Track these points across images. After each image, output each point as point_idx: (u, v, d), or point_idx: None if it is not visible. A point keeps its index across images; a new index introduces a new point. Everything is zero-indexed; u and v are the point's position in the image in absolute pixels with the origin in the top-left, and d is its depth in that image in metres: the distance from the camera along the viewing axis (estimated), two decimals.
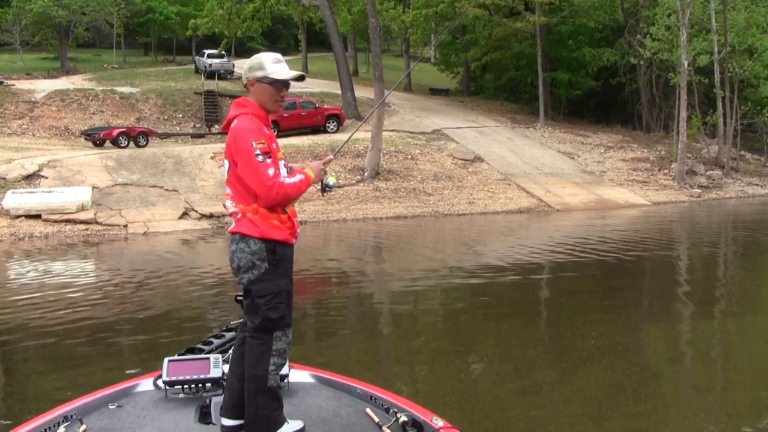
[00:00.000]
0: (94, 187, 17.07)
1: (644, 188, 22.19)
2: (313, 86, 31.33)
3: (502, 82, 38.02)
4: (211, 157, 19.56)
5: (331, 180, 3.18)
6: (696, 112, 24.69)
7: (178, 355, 3.40)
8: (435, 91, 38.28)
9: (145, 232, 15.51)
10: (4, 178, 17.18)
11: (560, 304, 9.54)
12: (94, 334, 7.76)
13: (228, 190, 2.97)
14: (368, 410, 3.05)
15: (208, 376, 3.20)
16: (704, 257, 13.76)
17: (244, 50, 43.54)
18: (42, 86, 29.42)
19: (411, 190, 19.85)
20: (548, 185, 21.30)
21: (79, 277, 11.52)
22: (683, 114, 22.77)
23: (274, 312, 2.86)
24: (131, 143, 23.33)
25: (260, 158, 2.81)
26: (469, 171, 21.96)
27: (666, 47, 24.80)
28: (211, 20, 30.98)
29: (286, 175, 2.94)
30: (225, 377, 3.12)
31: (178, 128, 27.62)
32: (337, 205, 18.04)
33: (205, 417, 3.01)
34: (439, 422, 2.96)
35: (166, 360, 3.23)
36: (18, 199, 15.80)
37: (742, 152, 27.86)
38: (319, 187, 3.14)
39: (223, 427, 2.91)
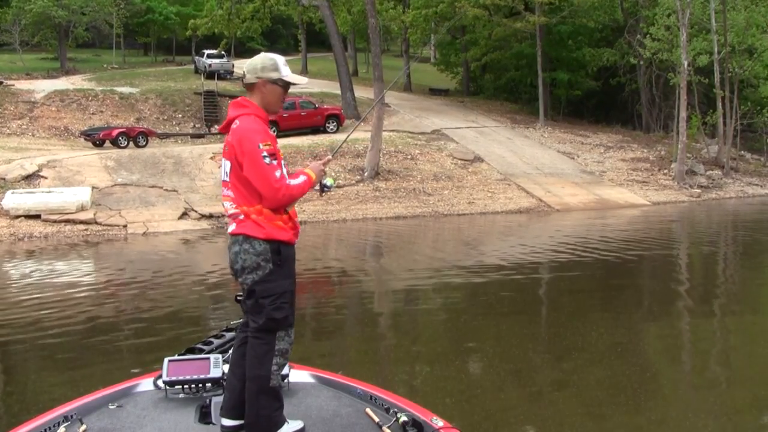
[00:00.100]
0: (93, 188, 17.06)
1: (644, 188, 22.20)
2: (312, 86, 31.30)
3: (501, 82, 38.03)
4: (211, 158, 19.56)
5: (329, 181, 3.18)
6: (696, 112, 24.70)
7: (178, 355, 3.40)
8: (435, 91, 38.28)
9: (144, 233, 15.51)
10: (4, 179, 17.17)
11: (560, 303, 9.54)
12: (93, 334, 7.76)
13: (226, 191, 2.96)
14: (368, 410, 3.05)
15: (208, 376, 3.20)
16: (704, 257, 13.76)
17: (243, 50, 43.57)
18: (41, 86, 29.41)
19: (411, 190, 19.85)
20: (548, 185, 21.30)
21: (78, 278, 11.51)
22: (683, 114, 22.78)
23: (278, 312, 2.87)
24: (131, 143, 23.33)
25: (267, 160, 2.81)
26: (469, 171, 21.96)
27: (666, 47, 24.81)
28: (210, 20, 30.96)
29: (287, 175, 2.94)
30: (225, 377, 3.12)
31: (177, 128, 27.62)
32: (336, 205, 18.04)
33: (205, 417, 3.01)
34: (439, 422, 2.96)
35: (166, 360, 3.23)
36: (17, 200, 15.80)
37: (742, 152, 27.87)
38: (318, 188, 3.13)
39: (223, 427, 2.90)
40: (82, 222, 15.64)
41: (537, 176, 22.12)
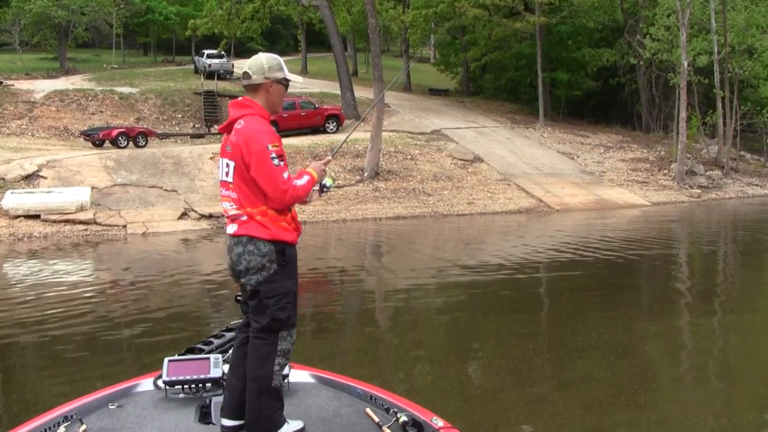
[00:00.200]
0: (93, 188, 17.06)
1: (644, 188, 22.20)
2: (312, 86, 31.32)
3: (501, 83, 38.02)
4: (211, 158, 19.55)
5: (328, 181, 3.18)
6: (696, 112, 24.71)
7: (178, 355, 3.40)
8: (434, 92, 38.28)
9: (144, 233, 15.51)
10: (3, 179, 17.16)
11: (560, 303, 9.54)
12: (92, 334, 7.75)
13: (226, 192, 2.94)
14: (368, 410, 3.05)
15: (208, 376, 3.20)
16: (704, 257, 13.77)
17: (243, 50, 43.55)
18: (41, 86, 29.41)
19: (410, 191, 19.85)
20: (548, 185, 21.30)
21: (77, 278, 11.52)
22: (683, 114, 22.78)
23: (282, 312, 2.87)
24: (130, 143, 23.33)
25: (276, 161, 2.81)
26: (469, 171, 21.96)
27: (666, 47, 24.80)
28: (210, 20, 30.96)
29: None
30: (225, 377, 3.12)
31: (177, 128, 27.62)
32: (336, 205, 18.04)
33: (205, 417, 3.01)
34: (439, 422, 2.96)
35: (166, 360, 3.23)
36: (17, 200, 15.79)
37: (742, 152, 27.88)
38: (317, 188, 3.13)
39: (223, 427, 2.90)
40: (81, 222, 15.64)
41: (537, 176, 22.12)
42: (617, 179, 23.01)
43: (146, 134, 24.30)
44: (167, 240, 15.12)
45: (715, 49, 24.44)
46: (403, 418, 2.90)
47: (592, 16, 31.62)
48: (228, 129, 2.94)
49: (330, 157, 3.34)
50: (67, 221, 15.56)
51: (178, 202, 17.32)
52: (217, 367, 3.24)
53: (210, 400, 3.10)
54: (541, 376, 6.49)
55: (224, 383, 3.07)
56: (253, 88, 2.97)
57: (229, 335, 3.63)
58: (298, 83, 3.14)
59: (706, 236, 16.59)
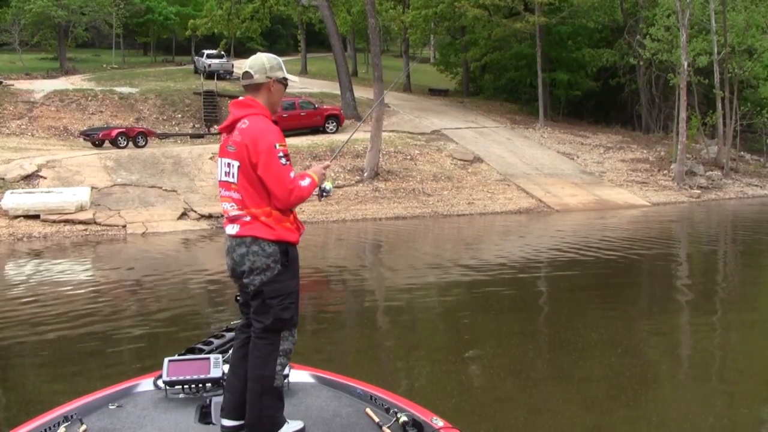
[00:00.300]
0: (92, 188, 17.05)
1: (643, 189, 22.20)
2: (312, 86, 31.35)
3: (501, 83, 38.01)
4: (210, 158, 19.54)
5: (328, 185, 3.18)
6: (695, 112, 24.70)
7: (178, 355, 3.39)
8: (434, 92, 38.27)
9: (144, 233, 15.50)
10: (3, 179, 17.16)
11: (561, 304, 9.54)
12: (91, 334, 7.74)
13: (226, 192, 2.93)
14: (368, 410, 3.05)
15: (208, 376, 3.20)
16: (704, 257, 13.77)
17: (243, 50, 43.52)
18: (41, 86, 29.40)
19: (410, 191, 19.85)
20: (548, 186, 21.30)
21: (76, 278, 11.51)
22: (683, 114, 22.77)
23: (286, 312, 2.88)
24: (130, 143, 23.32)
25: (283, 161, 2.82)
26: (469, 171, 21.96)
27: (665, 48, 24.80)
28: (210, 20, 30.98)
29: None
30: (225, 377, 3.12)
31: (177, 128, 27.61)
32: (336, 205, 18.04)
33: (205, 417, 3.01)
34: (439, 422, 2.96)
35: (166, 360, 3.23)
36: (17, 200, 15.78)
37: (742, 153, 27.87)
38: (316, 192, 3.12)
39: (223, 427, 2.90)
40: (81, 222, 15.63)
41: (536, 177, 22.12)
42: (617, 179, 23.00)
43: (146, 134, 24.29)
44: (167, 240, 15.12)
45: (715, 50, 24.45)
46: (403, 418, 2.90)
47: (591, 16, 31.62)
48: (229, 129, 2.92)
49: (329, 163, 3.33)
50: (66, 221, 15.56)
51: (177, 202, 17.32)
52: (217, 367, 3.24)
53: (210, 400, 3.09)
54: (541, 376, 6.49)
55: (224, 383, 3.06)
56: (254, 88, 2.96)
57: (229, 335, 3.63)
58: (297, 83, 3.15)
59: (705, 236, 16.59)
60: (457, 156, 22.88)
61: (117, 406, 3.10)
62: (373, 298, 10.34)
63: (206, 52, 34.79)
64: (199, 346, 3.58)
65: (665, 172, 23.83)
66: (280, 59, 3.07)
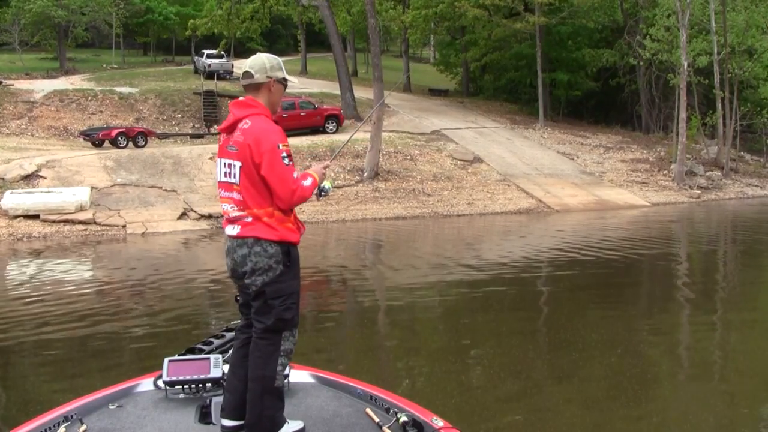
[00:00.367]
0: (92, 188, 17.05)
1: (643, 189, 22.20)
2: (312, 86, 31.33)
3: (501, 83, 38.01)
4: (210, 158, 19.53)
5: (327, 184, 3.18)
6: (695, 113, 24.70)
7: (179, 355, 3.39)
8: (434, 92, 38.26)
9: (143, 233, 15.50)
10: (3, 178, 17.15)
11: (561, 304, 9.53)
12: (91, 334, 7.74)
13: (226, 193, 2.92)
14: (368, 410, 3.05)
15: (209, 376, 3.19)
16: (704, 258, 13.77)
17: (243, 51, 43.53)
18: (41, 86, 29.39)
19: (410, 191, 19.84)
20: (547, 186, 21.30)
21: (76, 278, 11.51)
22: (683, 115, 22.77)
23: (287, 312, 2.88)
24: (130, 143, 23.31)
25: (287, 161, 2.81)
26: (469, 172, 21.95)
27: (665, 48, 24.81)
28: (210, 20, 30.97)
29: None
30: (225, 377, 3.12)
31: (177, 128, 27.60)
32: (336, 205, 18.04)
33: (205, 417, 3.01)
34: (439, 422, 2.96)
35: (166, 360, 3.23)
36: (16, 200, 15.78)
37: (742, 153, 27.87)
38: (316, 192, 3.12)
39: (223, 427, 2.90)
40: (81, 222, 15.63)
41: (536, 177, 22.12)
42: (617, 180, 23.00)
43: (146, 134, 24.28)
44: (167, 240, 15.12)
45: (715, 50, 24.45)
46: (404, 419, 2.90)
47: (591, 16, 31.62)
48: (230, 129, 2.91)
49: (328, 163, 3.33)
50: (66, 221, 15.55)
51: (177, 202, 17.31)
52: (217, 367, 3.24)
53: (210, 400, 3.09)
54: (541, 375, 6.49)
55: (224, 383, 3.06)
56: (254, 88, 2.96)
57: (229, 335, 3.63)
58: (296, 84, 3.16)
59: (705, 237, 16.60)
60: (457, 156, 22.88)
61: (117, 406, 3.10)
62: (373, 297, 10.34)
63: (206, 52, 34.78)
64: (199, 346, 3.58)
65: (665, 172, 23.84)
66: (280, 59, 3.07)
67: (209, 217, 16.48)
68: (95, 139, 23.48)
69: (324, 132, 25.70)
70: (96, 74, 35.16)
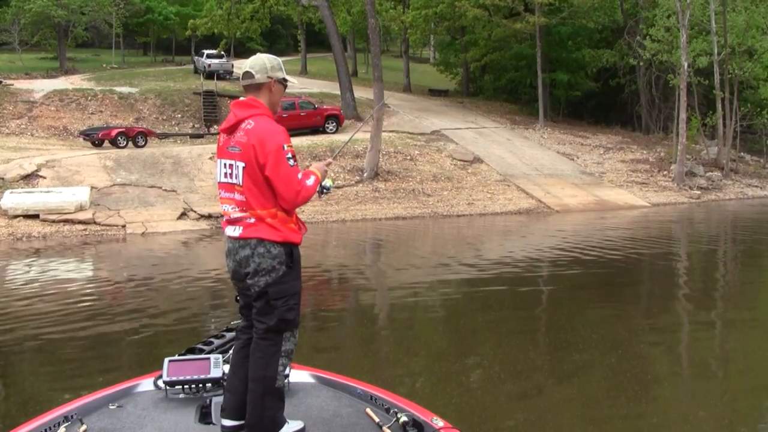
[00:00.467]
0: (92, 187, 17.04)
1: (643, 189, 22.20)
2: (312, 86, 31.34)
3: (501, 83, 38.01)
4: (210, 158, 19.52)
5: (328, 182, 3.19)
6: (695, 113, 24.69)
7: (179, 355, 3.39)
8: (434, 92, 38.26)
9: (143, 233, 15.49)
10: (2, 178, 17.14)
11: (561, 305, 9.53)
12: (92, 334, 7.74)
13: (227, 194, 2.91)
14: (368, 410, 3.05)
15: (209, 376, 3.19)
16: (704, 259, 13.77)
17: (243, 50, 43.55)
18: (41, 86, 29.38)
19: (410, 191, 19.84)
20: (547, 186, 21.30)
21: (76, 278, 11.50)
22: (683, 115, 22.77)
23: (290, 313, 2.88)
24: (130, 143, 23.30)
25: (291, 162, 2.81)
26: (469, 172, 21.95)
27: (665, 48, 24.81)
28: (210, 20, 30.96)
29: None
30: (225, 378, 3.12)
31: (176, 128, 27.59)
32: (336, 205, 18.03)
33: (205, 417, 3.01)
34: (439, 422, 2.95)
35: (166, 360, 3.23)
36: (16, 199, 15.77)
37: (742, 154, 27.86)
38: (317, 190, 3.12)
39: (223, 427, 2.89)
40: (80, 222, 15.62)
41: (536, 177, 22.12)
42: (617, 180, 23.00)
43: (145, 134, 24.28)
44: (166, 240, 15.11)
45: (715, 51, 24.44)
46: (404, 419, 2.90)
47: (592, 16, 31.62)
48: (232, 129, 2.89)
49: (331, 160, 3.33)
50: (66, 221, 15.55)
51: (177, 202, 17.30)
52: (218, 367, 3.23)
53: (210, 401, 3.09)
54: (542, 376, 6.49)
55: (225, 384, 3.06)
56: (255, 88, 2.95)
57: (229, 335, 3.63)
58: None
59: (705, 237, 16.60)
60: (456, 156, 22.88)
61: (117, 406, 3.09)
62: (373, 297, 10.34)
63: (206, 52, 34.79)
64: (200, 346, 3.58)
65: (665, 172, 23.83)
66: (280, 59, 3.07)
67: (209, 217, 16.48)
68: (95, 138, 23.48)
69: (324, 132, 25.70)
70: (96, 74, 35.16)
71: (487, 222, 18.21)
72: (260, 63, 2.95)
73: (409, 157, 22.18)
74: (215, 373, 3.20)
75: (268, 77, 2.93)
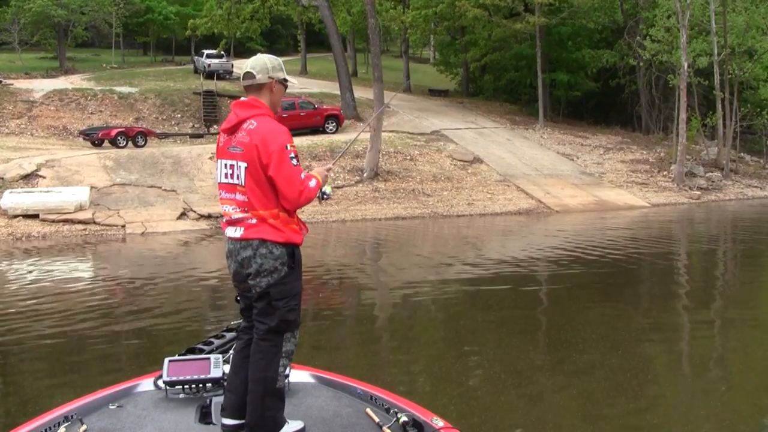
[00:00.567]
0: (92, 187, 17.04)
1: (643, 190, 22.20)
2: (312, 86, 31.35)
3: (501, 83, 38.02)
4: (210, 158, 19.51)
5: (328, 188, 3.18)
6: (695, 113, 24.70)
7: (179, 355, 3.39)
8: (434, 92, 38.26)
9: (143, 233, 15.49)
10: (2, 178, 17.15)
11: (561, 305, 9.52)
12: (92, 334, 7.73)
13: (227, 194, 2.90)
14: (368, 410, 3.05)
15: (209, 376, 3.19)
16: (704, 258, 13.77)
17: (243, 50, 43.56)
18: (40, 86, 29.38)
19: (410, 191, 19.84)
20: (547, 186, 21.30)
21: (76, 277, 11.50)
22: (683, 116, 22.77)
23: (291, 314, 2.88)
24: (130, 143, 23.31)
25: (294, 162, 2.81)
26: (468, 172, 21.95)
27: (665, 49, 24.82)
28: (210, 20, 30.94)
29: None
30: (225, 378, 3.11)
31: (176, 128, 27.59)
32: (335, 206, 18.02)
33: (205, 417, 3.01)
34: (439, 422, 2.95)
35: (166, 360, 3.22)
36: (16, 199, 15.77)
37: (742, 154, 27.87)
38: (318, 195, 3.12)
39: (224, 426, 2.90)
40: (80, 222, 15.62)
41: (536, 177, 22.12)
42: (617, 180, 23.00)
43: (145, 134, 24.28)
44: (166, 240, 15.11)
45: (715, 51, 24.45)
46: (404, 419, 2.89)
47: (592, 17, 31.62)
48: (233, 130, 2.89)
49: (331, 165, 3.32)
50: (65, 221, 15.54)
51: (177, 202, 17.30)
52: (218, 367, 3.23)
53: (210, 400, 3.09)
54: (542, 375, 6.48)
55: (225, 383, 3.06)
56: (256, 88, 2.95)
57: (229, 335, 3.63)
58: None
59: (705, 237, 16.60)
60: (456, 156, 22.88)
61: (117, 406, 3.09)
62: (373, 297, 10.33)
63: (206, 52, 34.80)
64: (200, 346, 3.57)
65: (665, 173, 23.84)
66: (280, 60, 3.07)
67: (209, 217, 16.48)
68: (95, 138, 23.48)
69: (324, 132, 25.70)
70: (96, 74, 35.15)
71: (487, 222, 18.21)
72: (261, 63, 2.94)
73: (409, 157, 22.18)
74: (215, 373, 3.20)
75: (269, 77, 2.93)
